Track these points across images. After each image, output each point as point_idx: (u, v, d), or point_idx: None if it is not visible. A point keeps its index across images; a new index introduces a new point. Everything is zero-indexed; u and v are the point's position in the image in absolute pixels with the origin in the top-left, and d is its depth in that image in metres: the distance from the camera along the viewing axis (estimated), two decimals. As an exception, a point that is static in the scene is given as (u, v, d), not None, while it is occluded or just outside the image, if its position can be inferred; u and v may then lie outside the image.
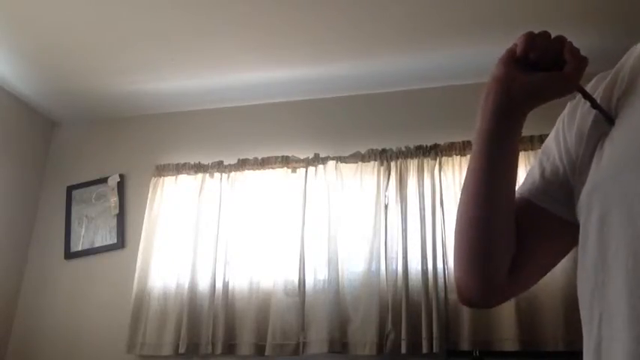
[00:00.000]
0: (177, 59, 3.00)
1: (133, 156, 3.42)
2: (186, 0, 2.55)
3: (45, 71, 3.14)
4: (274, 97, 3.30)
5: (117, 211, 3.28)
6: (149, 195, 3.19)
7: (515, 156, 0.78)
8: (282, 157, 3.08)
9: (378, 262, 2.74)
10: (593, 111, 0.71)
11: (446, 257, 2.68)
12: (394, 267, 2.71)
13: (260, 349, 2.74)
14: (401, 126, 3.06)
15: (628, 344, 0.58)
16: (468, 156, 2.84)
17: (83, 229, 3.32)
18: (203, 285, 2.91)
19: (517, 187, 0.82)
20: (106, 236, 3.27)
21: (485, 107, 0.75)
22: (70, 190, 3.42)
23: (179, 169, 3.21)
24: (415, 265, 2.69)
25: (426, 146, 2.92)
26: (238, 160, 3.15)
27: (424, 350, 2.52)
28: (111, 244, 3.24)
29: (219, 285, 2.89)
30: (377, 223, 2.79)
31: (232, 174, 3.13)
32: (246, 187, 3.08)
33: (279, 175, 3.06)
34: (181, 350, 2.79)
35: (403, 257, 2.70)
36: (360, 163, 2.94)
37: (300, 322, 2.73)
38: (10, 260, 3.25)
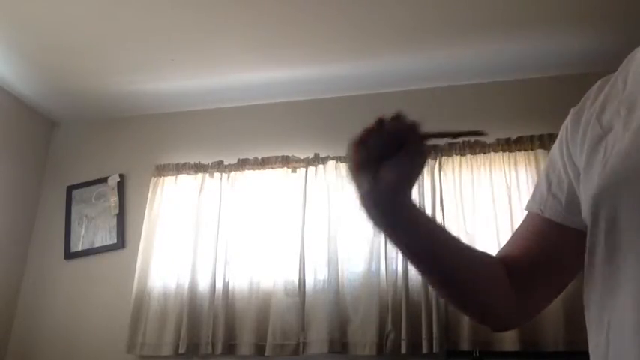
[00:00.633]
0: (177, 59, 3.00)
1: (133, 156, 3.42)
2: (186, 0, 2.55)
3: (45, 71, 3.14)
4: (274, 97, 3.30)
5: (117, 211, 3.28)
6: (149, 195, 3.19)
7: (427, 226, 0.77)
8: (282, 157, 3.08)
9: (378, 262, 2.75)
10: (599, 118, 0.70)
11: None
12: (394, 267, 2.71)
13: (260, 349, 2.74)
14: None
15: (637, 351, 0.57)
16: (468, 156, 2.88)
17: (83, 229, 3.32)
18: (203, 285, 2.91)
19: (526, 202, 0.83)
20: (106, 236, 3.27)
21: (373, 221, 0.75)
22: (70, 190, 3.42)
23: (179, 169, 3.21)
24: (415, 265, 2.69)
25: (426, 146, 2.91)
26: (238, 160, 3.15)
27: (424, 350, 2.52)
28: (111, 244, 3.24)
29: (219, 285, 2.89)
30: (377, 223, 2.79)
31: (232, 174, 3.13)
32: (246, 187, 3.08)
33: (279, 175, 3.06)
34: (181, 350, 2.79)
35: (403, 257, 2.70)
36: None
37: (300, 322, 2.73)
38: (10, 260, 3.25)
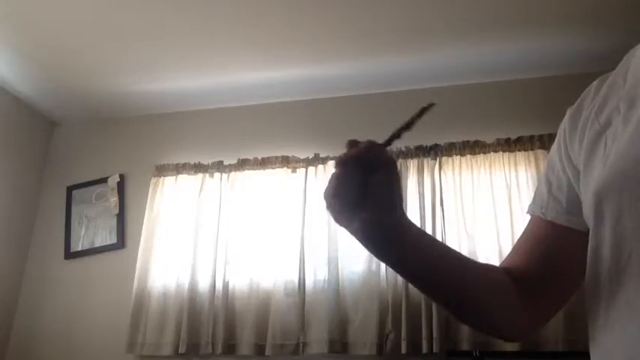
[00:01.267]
0: (177, 59, 3.00)
1: (133, 156, 3.42)
2: (186, 0, 2.55)
3: (45, 71, 3.13)
4: (274, 97, 3.30)
5: (117, 211, 3.28)
6: (149, 195, 3.19)
7: (426, 245, 0.74)
8: (282, 157, 3.08)
9: (378, 262, 2.74)
10: (598, 115, 0.69)
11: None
12: (394, 267, 2.70)
13: (260, 349, 2.74)
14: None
15: None
16: (468, 156, 2.88)
17: (83, 229, 3.32)
18: (203, 285, 2.91)
19: (527, 204, 0.82)
20: (106, 236, 3.27)
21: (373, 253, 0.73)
22: (70, 190, 3.42)
23: (179, 169, 3.21)
24: (415, 265, 2.68)
25: (426, 146, 2.92)
26: (238, 160, 3.15)
27: (424, 350, 2.52)
28: (111, 244, 3.24)
29: (219, 285, 2.89)
30: (377, 223, 2.79)
31: (232, 174, 3.13)
32: (246, 187, 3.08)
33: (279, 175, 3.06)
34: (181, 350, 2.79)
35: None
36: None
37: (300, 322, 2.73)
38: (10, 260, 3.25)
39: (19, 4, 2.60)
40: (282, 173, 3.06)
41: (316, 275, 2.80)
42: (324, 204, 0.67)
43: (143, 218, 3.13)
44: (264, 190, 3.04)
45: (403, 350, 2.55)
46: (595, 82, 0.75)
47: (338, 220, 0.69)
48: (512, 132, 2.86)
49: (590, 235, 0.66)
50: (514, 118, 2.95)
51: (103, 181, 3.37)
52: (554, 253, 0.78)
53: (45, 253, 3.34)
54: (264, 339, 2.74)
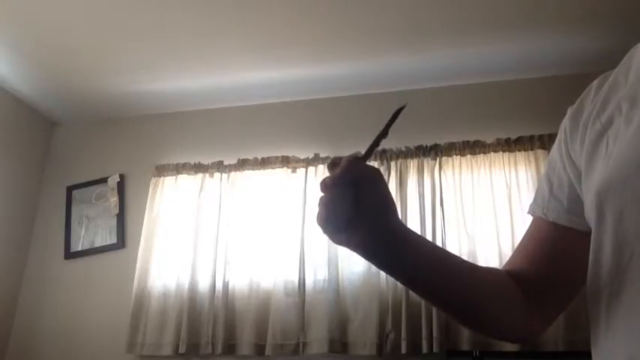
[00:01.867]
0: (177, 59, 3.00)
1: (133, 156, 3.41)
2: (186, 0, 2.55)
3: (45, 71, 3.14)
4: (274, 97, 3.30)
5: (117, 211, 3.28)
6: (149, 195, 3.19)
7: (424, 252, 0.73)
8: (282, 157, 3.08)
9: (378, 262, 2.74)
10: (599, 115, 0.69)
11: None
12: (394, 267, 2.70)
13: (260, 349, 2.74)
14: (401, 126, 3.02)
15: None
16: (468, 156, 2.88)
17: (83, 229, 3.32)
18: (203, 285, 2.91)
19: (528, 205, 0.82)
20: (106, 236, 3.27)
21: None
22: (70, 190, 3.42)
23: (179, 169, 3.21)
24: (415, 265, 2.68)
25: (426, 146, 2.92)
26: (238, 160, 3.15)
27: (424, 350, 2.52)
28: (111, 244, 3.24)
29: (219, 285, 2.89)
30: (377, 223, 2.79)
31: (232, 174, 3.13)
32: (246, 187, 3.08)
33: (279, 175, 3.06)
34: (181, 350, 2.79)
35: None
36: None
37: (300, 322, 2.73)
38: (10, 260, 3.25)
39: (20, 4, 2.60)
40: (282, 173, 3.05)
41: (316, 275, 2.80)
42: (320, 229, 0.68)
43: (143, 218, 3.13)
44: (264, 190, 3.04)
45: (403, 350, 2.55)
46: (596, 81, 0.75)
47: (336, 241, 0.69)
48: (512, 132, 2.86)
49: (592, 236, 0.66)
50: (514, 118, 2.95)
51: (103, 181, 3.37)
52: (557, 254, 0.78)
53: (45, 253, 3.34)
54: (264, 339, 2.74)
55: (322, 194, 0.66)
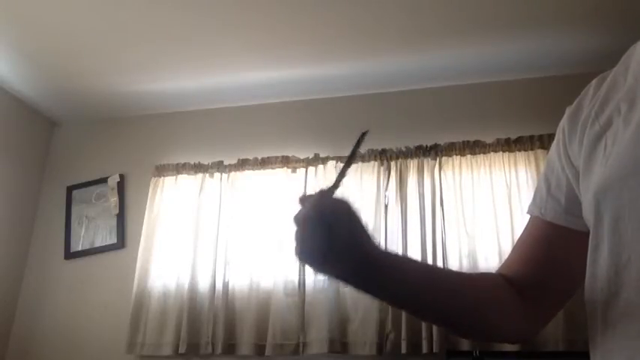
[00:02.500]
0: (177, 59, 3.00)
1: (133, 156, 3.41)
2: (186, 0, 2.55)
3: (45, 71, 3.14)
4: (274, 97, 3.30)
5: (117, 211, 3.28)
6: (149, 195, 3.19)
7: (403, 268, 0.75)
8: (282, 157, 3.08)
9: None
10: (598, 115, 0.69)
11: (446, 257, 2.68)
12: (394, 267, 2.70)
13: (260, 349, 2.73)
14: (401, 126, 3.06)
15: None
16: (468, 156, 2.88)
17: (83, 229, 3.32)
18: (203, 285, 2.91)
19: (527, 204, 0.82)
20: (106, 236, 3.27)
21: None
22: (70, 190, 3.42)
23: (179, 169, 3.21)
24: (415, 265, 2.68)
25: (426, 146, 2.92)
26: (238, 160, 3.15)
27: (424, 350, 2.52)
28: (111, 244, 3.24)
29: (219, 285, 2.89)
30: (377, 223, 2.79)
31: (232, 174, 3.13)
32: (246, 187, 3.08)
33: (279, 175, 3.06)
34: (181, 350, 2.79)
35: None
36: (360, 163, 2.94)
37: (300, 322, 2.73)
38: (10, 260, 3.25)
39: (20, 5, 2.60)
40: (282, 173, 3.05)
41: (316, 275, 2.79)
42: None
43: (143, 218, 3.13)
44: (264, 190, 3.04)
45: (403, 350, 2.55)
46: (594, 81, 0.75)
47: (317, 272, 0.71)
48: (512, 132, 2.86)
49: (590, 236, 0.66)
50: (514, 118, 2.95)
51: (103, 181, 3.37)
52: (553, 253, 0.78)
53: (45, 253, 3.33)
54: (264, 339, 2.74)
55: (297, 230, 0.67)
